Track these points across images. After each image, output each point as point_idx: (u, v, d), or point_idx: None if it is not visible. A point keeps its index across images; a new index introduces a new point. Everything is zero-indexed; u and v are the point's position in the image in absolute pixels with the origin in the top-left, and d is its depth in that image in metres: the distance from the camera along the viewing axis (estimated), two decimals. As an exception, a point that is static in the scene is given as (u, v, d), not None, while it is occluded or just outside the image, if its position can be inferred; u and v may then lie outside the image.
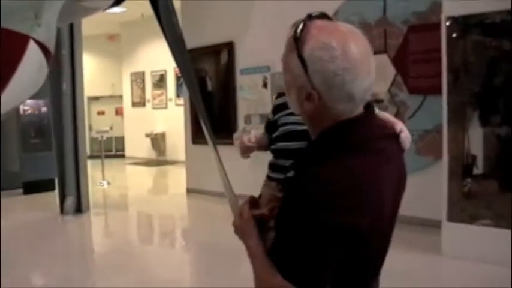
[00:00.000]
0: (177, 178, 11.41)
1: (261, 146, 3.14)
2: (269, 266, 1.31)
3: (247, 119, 8.79)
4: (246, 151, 3.07)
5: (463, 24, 5.30)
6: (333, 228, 1.23)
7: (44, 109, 10.33)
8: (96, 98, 16.81)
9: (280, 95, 3.11)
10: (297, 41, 1.30)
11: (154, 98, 15.56)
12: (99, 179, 11.24)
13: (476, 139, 5.33)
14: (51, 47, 1.88)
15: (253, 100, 8.61)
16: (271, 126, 3.08)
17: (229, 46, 9.01)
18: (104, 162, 11.47)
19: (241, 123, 8.91)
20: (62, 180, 8.30)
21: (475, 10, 5.19)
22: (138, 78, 15.92)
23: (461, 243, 5.27)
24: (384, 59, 6.73)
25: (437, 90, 5.56)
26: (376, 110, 1.69)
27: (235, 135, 8.70)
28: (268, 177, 3.00)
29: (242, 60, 8.86)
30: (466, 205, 5.33)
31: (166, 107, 15.20)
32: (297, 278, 1.25)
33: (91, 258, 6.49)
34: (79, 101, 8.27)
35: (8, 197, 9.30)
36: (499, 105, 5.21)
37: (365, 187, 1.29)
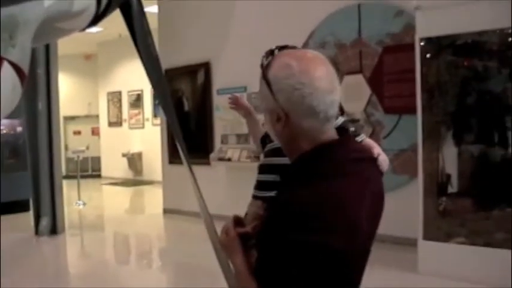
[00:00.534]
0: (154, 198, 11.33)
1: (253, 130, 3.27)
2: (252, 283, 1.35)
3: (224, 139, 8.79)
4: (239, 106, 3.23)
5: (437, 45, 5.39)
6: (307, 247, 1.27)
7: (19, 129, 10.22)
8: (73, 118, 16.71)
9: None
10: (263, 67, 1.41)
11: (131, 118, 15.51)
12: (75, 199, 11.11)
13: (450, 158, 5.39)
14: (25, 68, 1.88)
15: (229, 120, 8.61)
16: (264, 140, 3.11)
17: (206, 66, 9.04)
18: (80, 182, 11.34)
19: (217, 143, 8.91)
20: (37, 200, 8.19)
21: (448, 31, 5.29)
22: (115, 97, 15.87)
23: (437, 261, 5.30)
24: (360, 79, 6.80)
25: (412, 110, 5.63)
26: (362, 137, 1.72)
27: (212, 156, 8.71)
28: (254, 196, 3.01)
29: (219, 80, 8.88)
30: (442, 223, 5.38)
31: (143, 127, 15.15)
32: None
33: (66, 280, 6.39)
34: (55, 120, 8.19)
35: (-18, 218, 9.16)
36: (472, 124, 5.29)
37: (339, 208, 1.32)
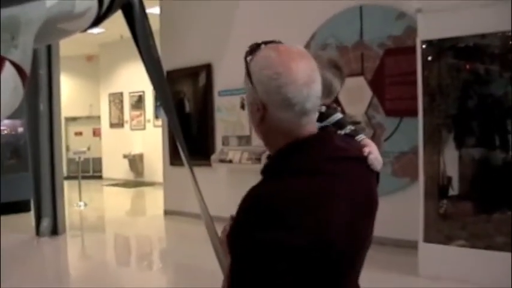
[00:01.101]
0: (155, 200, 11.32)
1: None
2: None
3: (225, 141, 8.78)
4: None
5: (438, 47, 5.39)
6: (270, 245, 1.26)
7: (20, 129, 10.21)
8: (74, 119, 16.70)
9: None
10: (247, 59, 1.42)
11: (132, 119, 15.50)
12: (76, 200, 11.11)
13: (451, 160, 5.39)
14: (27, 68, 1.88)
15: (231, 121, 8.62)
16: None
17: (208, 68, 9.04)
18: (81, 183, 11.35)
19: (219, 144, 8.90)
20: (38, 201, 8.18)
21: (449, 34, 5.29)
22: (116, 99, 15.86)
23: (437, 264, 5.29)
24: (361, 81, 6.80)
25: (413, 113, 5.62)
26: (362, 137, 1.71)
27: (213, 157, 8.70)
28: None
29: (220, 82, 8.88)
30: (442, 226, 5.38)
31: (144, 128, 15.15)
32: None
33: (67, 281, 6.40)
34: (56, 121, 8.20)
35: (-17, 218, 9.16)
36: (474, 127, 5.29)
37: (304, 206, 1.31)
